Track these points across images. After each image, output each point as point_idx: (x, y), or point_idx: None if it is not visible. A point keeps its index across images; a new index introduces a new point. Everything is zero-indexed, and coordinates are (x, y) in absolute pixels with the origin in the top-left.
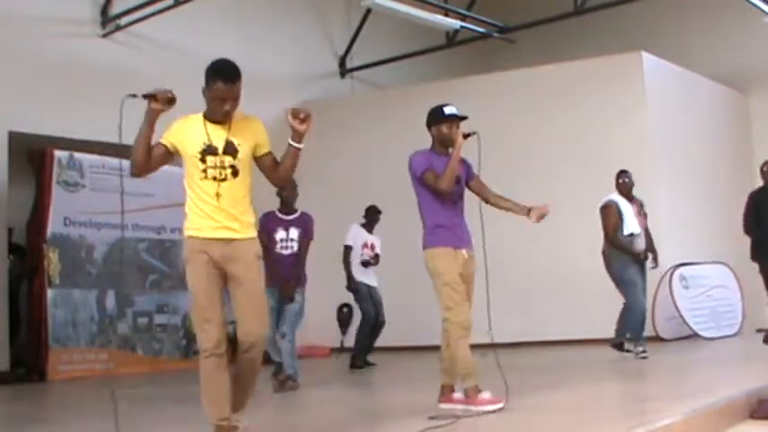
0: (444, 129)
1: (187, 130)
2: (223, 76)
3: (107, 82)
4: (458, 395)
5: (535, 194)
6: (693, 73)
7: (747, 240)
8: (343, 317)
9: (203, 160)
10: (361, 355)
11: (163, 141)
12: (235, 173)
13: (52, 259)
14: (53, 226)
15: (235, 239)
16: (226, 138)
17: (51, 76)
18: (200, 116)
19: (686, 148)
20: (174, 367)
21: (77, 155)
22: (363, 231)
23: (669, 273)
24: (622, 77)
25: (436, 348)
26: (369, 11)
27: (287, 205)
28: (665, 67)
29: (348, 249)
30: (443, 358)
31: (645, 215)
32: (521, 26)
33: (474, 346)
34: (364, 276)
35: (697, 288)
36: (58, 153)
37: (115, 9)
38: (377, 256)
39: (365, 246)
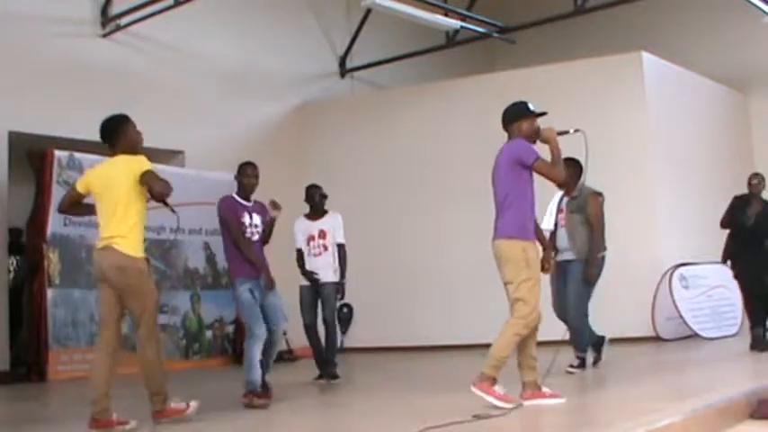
0: (530, 124)
1: None
2: None
3: (107, 82)
4: (544, 390)
5: (536, 194)
6: (693, 73)
7: None
8: (343, 317)
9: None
10: (320, 365)
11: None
12: None
13: (52, 259)
14: (53, 226)
15: None
16: None
17: (51, 76)
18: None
19: (686, 148)
20: (174, 367)
21: (77, 155)
22: (306, 222)
23: (669, 273)
24: (622, 77)
25: (432, 349)
26: (369, 11)
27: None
28: (665, 67)
29: (300, 253)
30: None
31: (574, 210)
32: (521, 26)
33: None
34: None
35: (697, 288)
36: (58, 153)
37: (115, 9)
38: (341, 248)
39: (311, 238)
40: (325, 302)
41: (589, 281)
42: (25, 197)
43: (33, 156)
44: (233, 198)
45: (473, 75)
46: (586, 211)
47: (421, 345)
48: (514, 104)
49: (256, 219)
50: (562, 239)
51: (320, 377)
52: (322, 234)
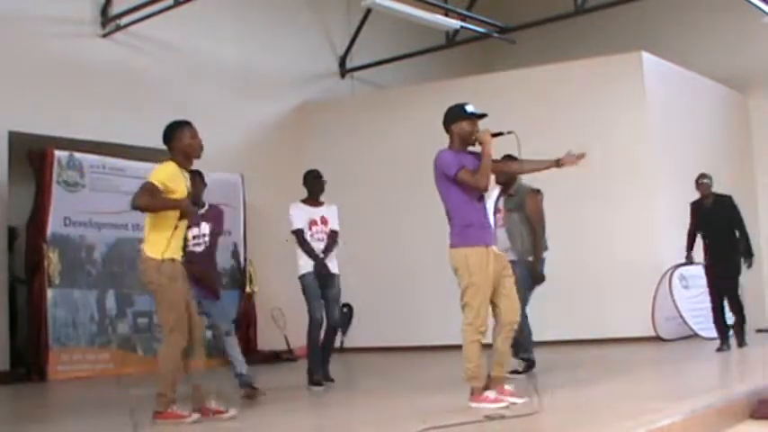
0: (466, 126)
1: (178, 176)
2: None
3: (107, 82)
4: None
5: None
6: (693, 73)
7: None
8: (343, 316)
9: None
10: (315, 369)
11: (157, 183)
12: None
13: (52, 259)
14: (53, 226)
15: None
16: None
17: (51, 76)
18: (174, 165)
19: (686, 148)
20: None
21: (77, 155)
22: (306, 207)
23: (669, 273)
24: (622, 77)
25: (432, 349)
26: (369, 11)
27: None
28: (665, 67)
29: (300, 233)
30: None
31: (512, 208)
32: (521, 26)
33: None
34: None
35: (697, 288)
36: (58, 153)
37: (115, 9)
38: (334, 233)
39: (313, 223)
40: (333, 300)
41: (537, 281)
42: (25, 197)
43: (33, 156)
44: None
45: (473, 75)
46: (525, 209)
47: (421, 345)
48: (453, 107)
49: (205, 228)
50: (502, 240)
51: (317, 383)
52: (323, 221)
